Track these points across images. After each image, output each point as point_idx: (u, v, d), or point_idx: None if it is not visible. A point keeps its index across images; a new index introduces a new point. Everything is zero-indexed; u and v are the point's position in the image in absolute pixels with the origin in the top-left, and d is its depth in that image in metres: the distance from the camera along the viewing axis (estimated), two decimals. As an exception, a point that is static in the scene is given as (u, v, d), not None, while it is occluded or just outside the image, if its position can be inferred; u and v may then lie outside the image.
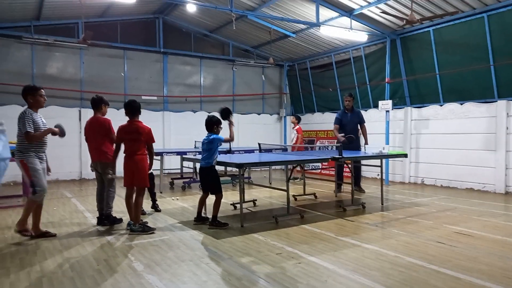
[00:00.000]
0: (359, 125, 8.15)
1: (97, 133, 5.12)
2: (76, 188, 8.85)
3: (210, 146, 5.11)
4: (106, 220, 5.20)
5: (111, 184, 5.16)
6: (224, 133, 5.11)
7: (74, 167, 10.23)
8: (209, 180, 5.18)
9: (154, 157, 7.94)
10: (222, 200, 5.20)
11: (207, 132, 5.22)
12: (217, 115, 5.34)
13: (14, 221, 5.51)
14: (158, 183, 8.18)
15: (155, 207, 6.25)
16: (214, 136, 5.12)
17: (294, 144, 9.94)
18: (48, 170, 4.70)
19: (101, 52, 10.93)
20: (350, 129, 7.96)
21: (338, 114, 8.24)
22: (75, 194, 7.97)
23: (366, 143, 8.00)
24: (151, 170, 4.95)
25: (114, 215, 5.44)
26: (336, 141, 8.35)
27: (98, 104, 5.21)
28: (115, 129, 5.01)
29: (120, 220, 5.33)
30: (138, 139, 4.79)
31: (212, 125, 5.18)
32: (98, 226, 5.18)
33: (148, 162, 4.89)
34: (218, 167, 5.26)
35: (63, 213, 6.05)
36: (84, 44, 9.35)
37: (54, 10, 9.67)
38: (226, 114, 5.31)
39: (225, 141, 5.14)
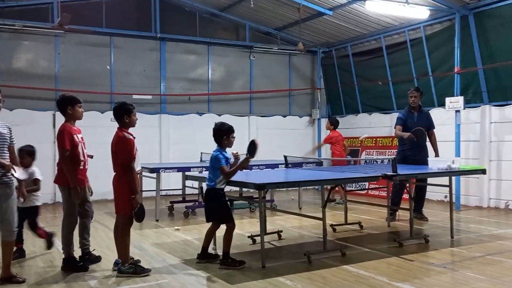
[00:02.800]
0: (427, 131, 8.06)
1: None
2: (49, 215, 9.01)
3: (212, 164, 5.18)
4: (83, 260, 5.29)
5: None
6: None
7: (47, 187, 10.38)
8: (213, 206, 5.22)
9: (143, 174, 8.05)
10: (237, 231, 5.21)
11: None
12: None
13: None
14: (154, 208, 8.28)
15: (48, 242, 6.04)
16: (217, 153, 5.13)
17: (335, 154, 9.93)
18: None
19: (81, 39, 11.20)
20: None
21: (401, 113, 8.21)
22: (48, 222, 8.10)
23: (436, 155, 7.92)
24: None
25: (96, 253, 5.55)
26: (397, 149, 8.24)
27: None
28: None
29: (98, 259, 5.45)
30: (114, 153, 4.95)
31: (219, 135, 5.20)
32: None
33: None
34: (231, 188, 5.27)
35: (33, 248, 6.15)
36: (61, 30, 9.61)
37: (23, -12, 10.00)
38: (251, 149, 5.16)
39: (221, 170, 5.06)
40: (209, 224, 5.45)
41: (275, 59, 13.49)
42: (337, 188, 8.87)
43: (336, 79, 13.56)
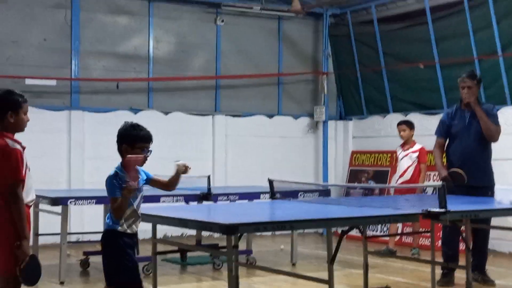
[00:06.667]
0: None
1: None
2: None
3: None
4: None
5: None
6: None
7: None
8: (105, 259, 5.14)
9: (39, 207, 7.90)
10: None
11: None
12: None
13: None
14: (57, 263, 8.17)
15: None
16: (111, 174, 5.01)
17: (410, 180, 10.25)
18: None
19: None
20: (469, 147, 7.95)
21: (445, 114, 8.33)
22: None
23: None
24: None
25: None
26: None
27: None
28: None
29: None
30: None
31: (118, 141, 5.12)
32: None
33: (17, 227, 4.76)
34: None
35: None
36: None
37: None
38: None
39: (111, 202, 4.97)
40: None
41: (256, 26, 13.54)
42: (356, 232, 8.87)
43: (352, 58, 13.63)
